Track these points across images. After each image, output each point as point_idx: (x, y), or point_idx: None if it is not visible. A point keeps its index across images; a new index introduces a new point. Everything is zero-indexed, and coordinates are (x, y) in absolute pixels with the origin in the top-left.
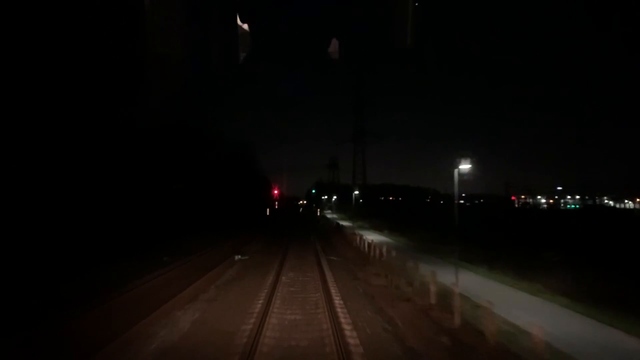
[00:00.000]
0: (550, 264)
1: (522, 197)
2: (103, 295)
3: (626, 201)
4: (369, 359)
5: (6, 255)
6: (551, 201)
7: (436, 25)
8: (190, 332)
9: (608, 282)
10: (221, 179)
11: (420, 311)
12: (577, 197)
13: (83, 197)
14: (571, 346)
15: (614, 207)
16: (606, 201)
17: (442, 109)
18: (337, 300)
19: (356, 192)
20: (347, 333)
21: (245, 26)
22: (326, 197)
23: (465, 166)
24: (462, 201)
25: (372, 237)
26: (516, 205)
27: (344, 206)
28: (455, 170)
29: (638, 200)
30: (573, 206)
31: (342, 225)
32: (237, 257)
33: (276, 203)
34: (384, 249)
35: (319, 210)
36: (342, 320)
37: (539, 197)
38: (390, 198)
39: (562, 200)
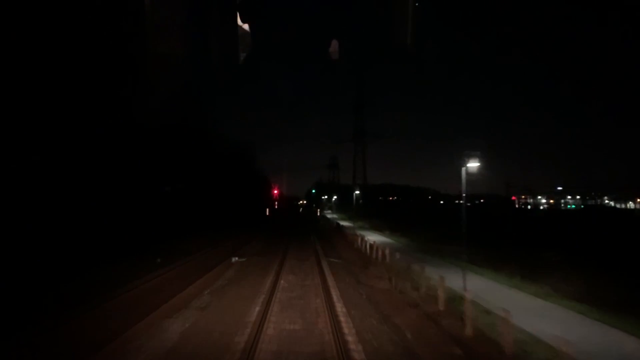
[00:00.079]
0: (554, 264)
1: (523, 197)
2: (84, 304)
3: (627, 201)
4: None
5: None
6: (551, 201)
7: (436, 25)
8: (179, 344)
9: (616, 284)
10: (221, 179)
11: (429, 319)
12: (578, 197)
13: (82, 197)
14: (596, 358)
15: (615, 207)
16: (606, 201)
17: (443, 108)
18: (340, 307)
19: (357, 192)
20: (352, 347)
21: (246, 26)
22: (326, 197)
23: (473, 164)
24: (462, 201)
25: (373, 237)
26: (516, 206)
27: (344, 206)
28: (463, 169)
29: (638, 200)
30: (573, 206)
31: (342, 225)
32: (235, 259)
33: (276, 203)
34: (387, 251)
35: (319, 210)
36: (346, 331)
37: (539, 197)
38: (390, 198)
39: (562, 201)
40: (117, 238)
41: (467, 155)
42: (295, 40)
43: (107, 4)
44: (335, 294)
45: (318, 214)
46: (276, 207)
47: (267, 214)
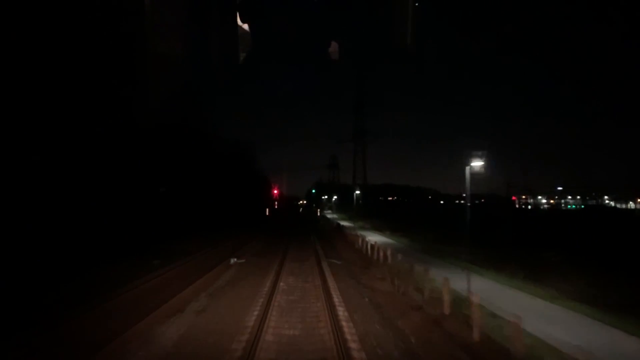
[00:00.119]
0: (555, 265)
1: (523, 197)
2: (80, 305)
3: (627, 202)
4: None
5: None
6: (552, 201)
7: (436, 25)
8: (173, 352)
9: (619, 285)
10: (220, 179)
11: (434, 323)
12: (578, 197)
13: (81, 197)
14: None
15: (615, 207)
16: (607, 201)
17: (443, 108)
18: (341, 311)
19: (357, 192)
20: (355, 354)
21: (246, 26)
22: (326, 197)
23: (477, 164)
24: (462, 201)
25: (373, 238)
26: (517, 206)
27: (344, 206)
28: (467, 168)
29: (639, 200)
30: (573, 206)
31: (342, 225)
32: (233, 260)
33: (276, 203)
34: (389, 252)
35: (319, 210)
36: (348, 337)
37: (539, 197)
38: (390, 198)
39: (562, 201)
40: (117, 238)
41: (471, 154)
42: (295, 40)
43: (107, 4)
44: (336, 297)
45: (318, 214)
46: (276, 207)
47: (267, 214)
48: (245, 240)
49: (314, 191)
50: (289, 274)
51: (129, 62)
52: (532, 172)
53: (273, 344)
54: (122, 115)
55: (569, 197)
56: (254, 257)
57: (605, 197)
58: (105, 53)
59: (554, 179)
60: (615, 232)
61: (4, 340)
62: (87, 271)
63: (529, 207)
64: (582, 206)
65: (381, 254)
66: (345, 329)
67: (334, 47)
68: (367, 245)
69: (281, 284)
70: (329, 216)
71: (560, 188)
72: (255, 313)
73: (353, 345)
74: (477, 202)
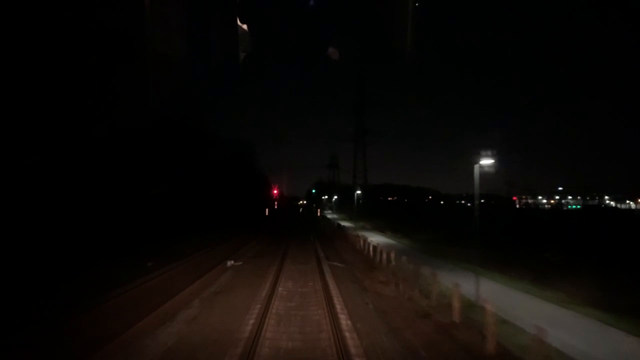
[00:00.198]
0: (561, 266)
1: (523, 197)
2: (62, 315)
3: (627, 202)
4: None
5: None
6: (552, 201)
7: (436, 25)
8: None
9: (628, 287)
10: (219, 179)
11: (444, 332)
12: (578, 197)
13: (76, 199)
14: None
15: (616, 207)
16: (607, 201)
17: (443, 108)
18: (344, 320)
19: (358, 192)
20: None
21: (245, 26)
22: (326, 197)
23: (487, 161)
24: (462, 201)
25: (375, 238)
26: (517, 206)
27: (344, 206)
28: (476, 166)
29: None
30: (574, 206)
31: (343, 226)
32: (230, 262)
33: (276, 203)
34: (392, 254)
35: (319, 210)
36: (352, 350)
37: (539, 197)
38: (390, 198)
39: (563, 201)
40: (113, 239)
41: (479, 153)
42: (295, 40)
43: (107, 4)
44: (338, 304)
45: (318, 214)
46: (276, 207)
47: (267, 214)
48: (243, 240)
49: (314, 191)
50: (288, 278)
51: (129, 62)
52: (532, 172)
53: (269, 359)
54: (120, 116)
55: (569, 197)
56: (252, 259)
57: (606, 197)
58: (103, 53)
59: (554, 179)
60: (617, 232)
61: None
62: (76, 274)
63: (531, 206)
64: (580, 206)
65: (384, 255)
66: (349, 341)
67: (334, 46)
68: (369, 247)
69: (280, 288)
70: (329, 216)
71: (560, 188)
72: (251, 322)
73: None
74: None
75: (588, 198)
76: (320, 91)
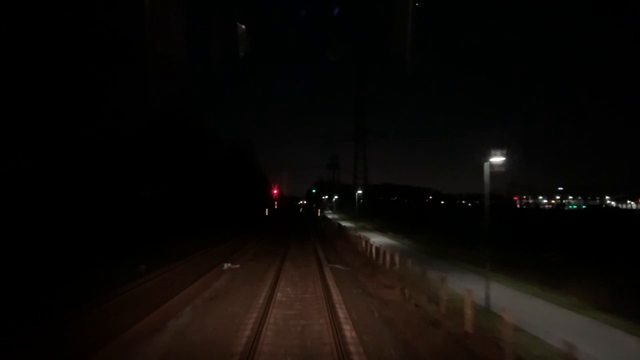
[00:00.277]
0: (569, 268)
1: (524, 197)
2: (40, 324)
3: (628, 202)
4: None
5: None
6: (553, 201)
7: (436, 25)
8: None
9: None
10: (218, 178)
11: (457, 344)
12: (579, 197)
13: (71, 200)
14: None
15: (617, 207)
16: (608, 201)
17: (443, 108)
18: (348, 331)
19: (359, 192)
20: None
21: (245, 26)
22: (327, 197)
23: (497, 159)
24: (463, 201)
25: (376, 239)
26: (518, 206)
27: (345, 206)
28: (486, 164)
29: None
30: (574, 207)
31: (344, 226)
32: (227, 265)
33: (275, 203)
34: (396, 257)
35: (319, 210)
36: None
37: (540, 197)
38: (391, 198)
39: (564, 201)
40: (108, 242)
41: (489, 151)
42: (295, 39)
43: (107, 3)
44: (341, 312)
45: (319, 214)
46: (276, 207)
47: (266, 214)
48: (242, 241)
49: (314, 191)
50: (287, 283)
51: (128, 62)
52: (532, 172)
53: None
54: (119, 116)
55: (570, 197)
56: (250, 262)
57: (607, 197)
58: (102, 53)
59: (554, 178)
60: (619, 232)
61: None
62: (67, 279)
63: (532, 206)
64: (584, 206)
65: (387, 258)
66: (355, 357)
67: (334, 46)
68: (371, 248)
69: (278, 294)
70: (329, 216)
71: (561, 188)
72: (247, 334)
73: None
74: (477, 202)
75: (589, 198)
76: (320, 91)
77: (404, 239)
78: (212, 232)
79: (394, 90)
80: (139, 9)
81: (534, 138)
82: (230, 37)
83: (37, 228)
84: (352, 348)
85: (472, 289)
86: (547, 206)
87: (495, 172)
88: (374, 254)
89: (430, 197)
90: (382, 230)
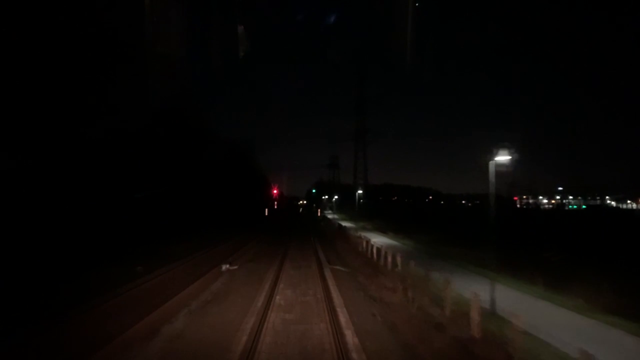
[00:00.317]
0: (572, 269)
1: (524, 197)
2: (26, 331)
3: (628, 202)
4: None
5: None
6: (553, 201)
7: (436, 25)
8: None
9: None
10: (218, 178)
11: (463, 349)
12: (579, 197)
13: (68, 200)
14: None
15: (618, 207)
16: (608, 202)
17: (442, 108)
18: (350, 336)
19: (359, 192)
20: None
21: (245, 26)
22: (327, 197)
23: (503, 157)
24: (463, 201)
25: (377, 239)
26: (518, 206)
27: (345, 206)
28: (491, 163)
29: None
30: (574, 207)
31: (344, 226)
32: (225, 266)
33: (275, 203)
34: (399, 258)
35: (319, 210)
36: None
37: (540, 197)
38: (391, 198)
39: (565, 201)
40: (107, 243)
41: (495, 149)
42: (295, 39)
43: (107, 3)
44: (342, 315)
45: (319, 214)
46: (276, 207)
47: (266, 214)
48: (241, 242)
49: (314, 191)
50: (287, 285)
51: (128, 62)
52: (533, 172)
53: None
54: (119, 116)
55: (570, 197)
56: (249, 263)
57: (607, 197)
58: (104, 53)
59: (554, 178)
60: (619, 232)
61: None
62: (61, 280)
63: (532, 207)
64: (584, 206)
65: (389, 259)
66: None
67: (334, 46)
68: (371, 249)
69: (277, 297)
70: (329, 216)
71: (560, 188)
72: (244, 339)
73: None
74: (477, 202)
75: (589, 198)
76: (320, 91)
77: (404, 239)
78: (212, 232)
79: (394, 90)
80: (139, 9)
81: (534, 138)
82: (230, 37)
83: (35, 228)
84: (354, 356)
85: (475, 290)
86: (547, 206)
87: (496, 171)
88: (374, 255)
89: (431, 197)
90: (382, 230)
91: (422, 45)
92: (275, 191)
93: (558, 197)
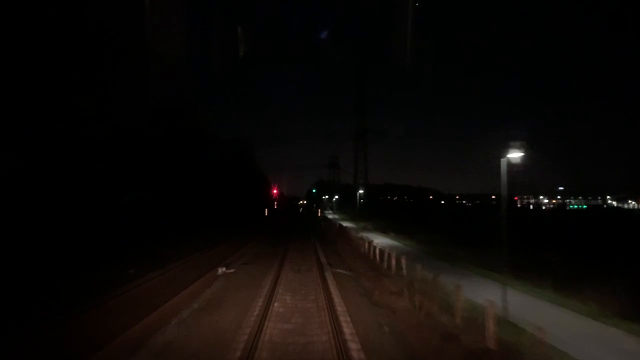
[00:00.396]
0: (580, 271)
1: (525, 197)
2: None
3: (629, 201)
4: None
5: None
6: (554, 201)
7: (436, 24)
8: None
9: None
10: (218, 178)
11: None
12: (580, 197)
13: (69, 199)
14: None
15: (619, 207)
16: (609, 201)
17: (442, 108)
18: (356, 351)
19: (360, 192)
20: None
21: (245, 26)
22: (327, 197)
23: (516, 154)
24: (463, 201)
25: (378, 240)
26: (519, 205)
27: (345, 206)
28: (503, 160)
29: None
30: (575, 206)
31: (345, 226)
32: (221, 269)
33: (275, 203)
34: (403, 261)
35: (319, 210)
36: None
37: (541, 197)
38: (391, 198)
39: (566, 201)
40: (101, 244)
41: (509, 144)
42: (296, 39)
43: (107, 3)
44: (346, 325)
45: (319, 214)
46: (275, 207)
47: (266, 214)
48: (240, 243)
49: (314, 191)
50: (286, 290)
51: (127, 62)
52: (533, 172)
53: None
54: (118, 116)
55: (571, 197)
56: (247, 266)
57: (608, 197)
58: (104, 53)
59: (555, 178)
60: (620, 232)
61: None
62: (51, 284)
63: (533, 207)
64: (585, 206)
65: (393, 261)
66: None
67: (334, 46)
68: (374, 250)
69: (275, 304)
70: (330, 216)
71: (561, 188)
72: (237, 354)
73: None
74: (477, 202)
75: (590, 198)
76: (320, 91)
77: (406, 240)
78: (211, 233)
79: (394, 90)
80: (139, 9)
81: (535, 138)
82: (230, 37)
83: (30, 229)
84: None
85: (484, 295)
86: (549, 206)
87: (497, 171)
88: (377, 257)
89: (431, 197)
90: (383, 230)
91: (422, 45)
92: (275, 191)
93: (559, 197)
